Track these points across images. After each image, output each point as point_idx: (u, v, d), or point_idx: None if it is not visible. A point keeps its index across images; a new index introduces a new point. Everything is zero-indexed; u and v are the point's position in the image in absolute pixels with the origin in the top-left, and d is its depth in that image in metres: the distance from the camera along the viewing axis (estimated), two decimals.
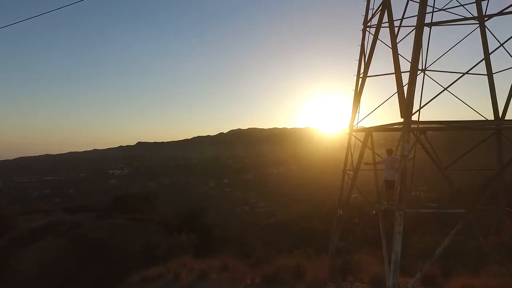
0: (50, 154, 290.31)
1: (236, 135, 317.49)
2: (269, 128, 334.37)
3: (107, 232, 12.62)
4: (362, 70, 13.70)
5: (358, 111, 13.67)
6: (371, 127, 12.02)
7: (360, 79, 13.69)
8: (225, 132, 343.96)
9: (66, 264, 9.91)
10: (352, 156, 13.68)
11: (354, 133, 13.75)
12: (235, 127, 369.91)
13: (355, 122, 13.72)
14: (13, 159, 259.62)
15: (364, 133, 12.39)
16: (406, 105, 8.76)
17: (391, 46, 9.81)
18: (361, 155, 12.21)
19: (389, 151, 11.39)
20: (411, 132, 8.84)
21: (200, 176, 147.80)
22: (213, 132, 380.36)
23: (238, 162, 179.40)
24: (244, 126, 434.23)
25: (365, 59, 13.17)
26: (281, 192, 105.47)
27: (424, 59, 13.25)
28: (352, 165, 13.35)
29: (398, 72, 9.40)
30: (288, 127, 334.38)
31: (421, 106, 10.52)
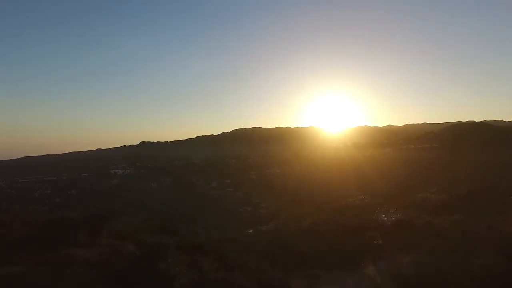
0: (54, 154, 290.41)
1: (239, 134, 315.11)
2: (273, 128, 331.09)
3: None
4: None
5: None
6: None
7: None
8: (228, 131, 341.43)
9: None
10: None
11: None
12: (238, 126, 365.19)
13: None
14: (17, 159, 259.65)
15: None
16: None
17: None
18: None
19: None
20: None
21: (202, 176, 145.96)
22: (216, 132, 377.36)
23: (241, 161, 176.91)
24: (248, 125, 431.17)
25: None
26: (285, 192, 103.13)
27: None
28: None
29: None
30: (292, 127, 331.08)
31: None
